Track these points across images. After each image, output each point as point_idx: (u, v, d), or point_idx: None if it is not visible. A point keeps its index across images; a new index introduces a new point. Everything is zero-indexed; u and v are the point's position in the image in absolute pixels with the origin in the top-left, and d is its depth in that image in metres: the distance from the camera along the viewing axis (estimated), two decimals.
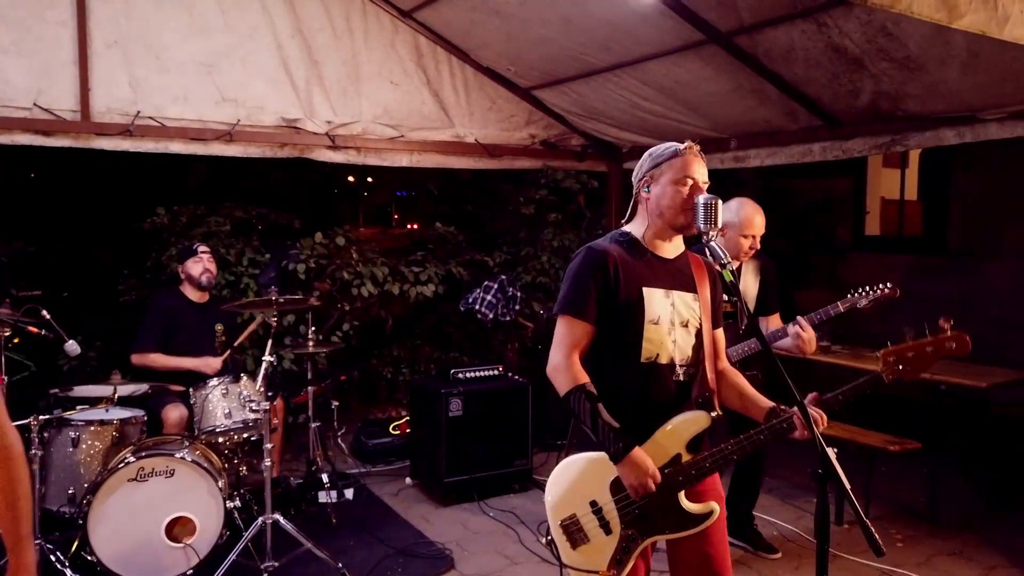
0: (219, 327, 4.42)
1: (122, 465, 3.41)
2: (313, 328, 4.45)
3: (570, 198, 6.58)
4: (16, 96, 4.22)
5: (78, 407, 3.76)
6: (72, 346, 3.53)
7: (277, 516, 3.67)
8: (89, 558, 3.34)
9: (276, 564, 3.62)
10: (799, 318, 3.32)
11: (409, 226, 10.31)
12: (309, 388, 4.45)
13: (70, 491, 3.62)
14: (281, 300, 3.79)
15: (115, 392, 3.70)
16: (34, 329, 3.47)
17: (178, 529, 3.49)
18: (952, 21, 1.96)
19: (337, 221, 6.65)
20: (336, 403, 5.02)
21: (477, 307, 6.09)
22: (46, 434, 3.58)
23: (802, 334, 3.25)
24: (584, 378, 2.10)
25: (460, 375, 4.86)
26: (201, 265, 4.45)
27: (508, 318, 6.19)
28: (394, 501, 4.74)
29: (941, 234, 7.23)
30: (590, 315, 2.13)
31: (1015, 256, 6.27)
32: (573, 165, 6.31)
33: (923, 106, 3.84)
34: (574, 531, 2.15)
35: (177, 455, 3.49)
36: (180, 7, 4.55)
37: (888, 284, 3.29)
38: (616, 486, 2.11)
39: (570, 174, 6.36)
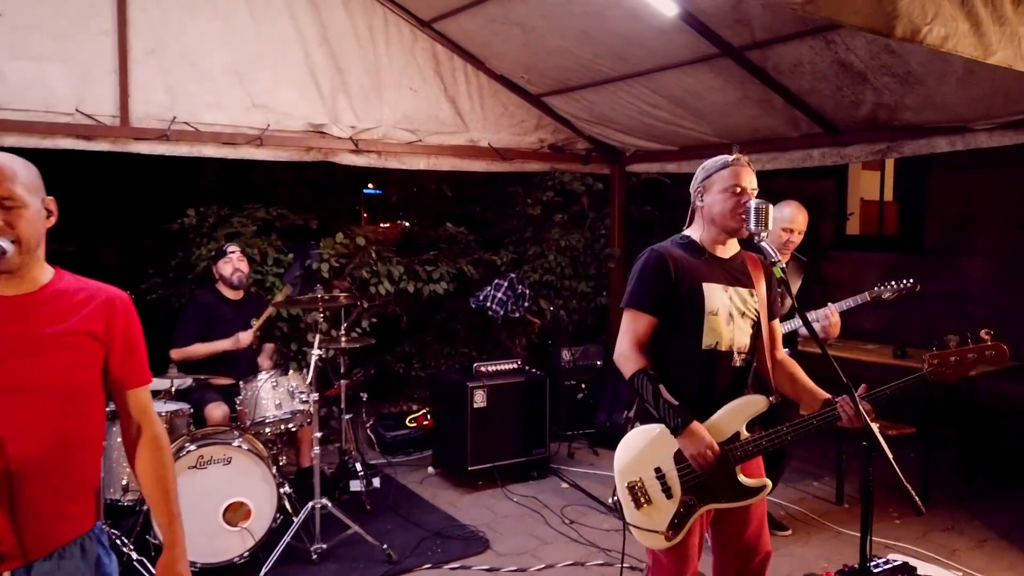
0: (254, 321, 4.63)
1: (183, 453, 3.60)
2: (345, 325, 4.66)
3: (575, 199, 6.86)
4: (58, 102, 4.37)
5: None
6: None
7: (325, 501, 3.90)
8: (153, 541, 3.54)
9: (324, 546, 3.86)
10: (829, 304, 3.66)
11: (382, 224, 10.47)
12: (341, 382, 4.67)
13: (123, 481, 3.80)
14: (327, 297, 4.01)
15: (172, 385, 3.89)
16: None
17: (231, 514, 3.69)
18: (987, 57, 2.28)
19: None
20: (365, 395, 5.23)
21: (488, 304, 6.34)
22: None
23: (831, 317, 3.60)
24: (646, 363, 2.38)
25: (482, 368, 5.12)
26: (231, 265, 4.63)
27: (517, 314, 6.45)
28: (420, 488, 4.98)
29: (919, 233, 7.65)
30: (652, 308, 2.40)
31: (989, 254, 6.68)
32: (578, 168, 6.58)
33: (918, 116, 4.17)
34: (639, 493, 2.41)
35: (233, 444, 3.69)
36: (215, 17, 4.73)
37: (910, 279, 3.67)
38: (679, 456, 2.37)
39: (575, 176, 6.64)
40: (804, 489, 4.92)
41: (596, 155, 6.52)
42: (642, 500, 2.41)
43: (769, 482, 2.42)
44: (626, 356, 2.41)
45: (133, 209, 7.29)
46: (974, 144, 4.08)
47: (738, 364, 2.42)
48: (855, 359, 5.23)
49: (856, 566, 3.58)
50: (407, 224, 6.82)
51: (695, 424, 2.31)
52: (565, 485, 5.07)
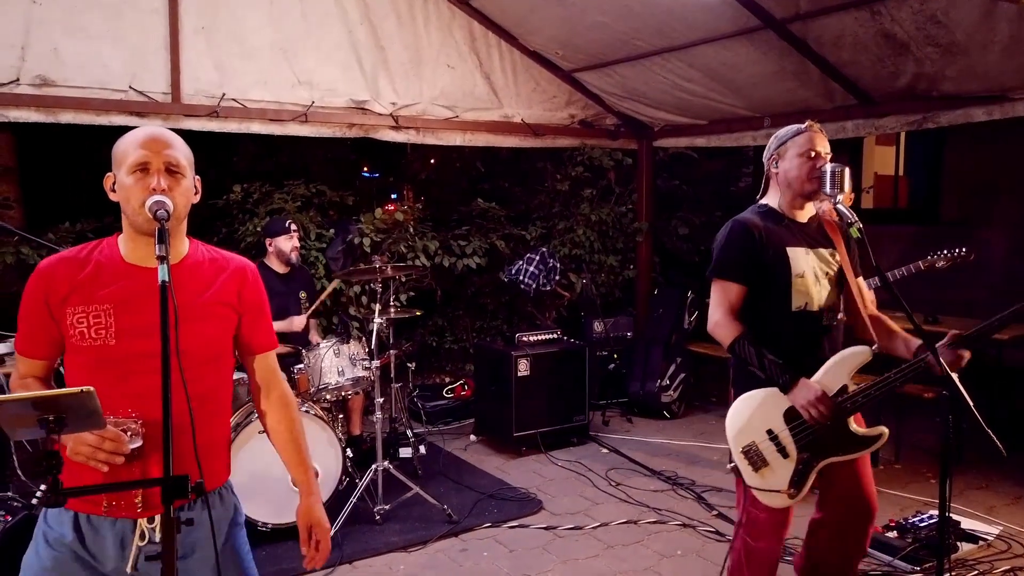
0: (303, 294, 4.74)
1: (250, 420, 3.73)
2: (393, 297, 4.79)
3: (603, 174, 6.96)
4: (112, 80, 4.46)
5: None
6: None
7: (387, 464, 4.04)
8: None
9: (387, 507, 4.01)
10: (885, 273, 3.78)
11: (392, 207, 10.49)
12: (391, 351, 4.80)
13: None
14: (386, 269, 4.12)
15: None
16: None
17: None
18: None
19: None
20: (412, 365, 5.36)
21: (521, 277, 6.46)
22: None
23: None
24: (743, 329, 2.47)
25: (524, 339, 5.25)
26: (292, 242, 4.71)
27: (548, 288, 6.58)
28: (465, 455, 5.13)
29: (934, 206, 7.78)
30: (740, 276, 2.50)
31: (1005, 224, 6.80)
32: (607, 143, 6.68)
33: (957, 86, 4.27)
34: (755, 457, 2.48)
35: (300, 409, 3.82)
36: None
37: (963, 248, 3.77)
38: (789, 415, 2.45)
39: (604, 151, 6.73)
40: None
41: (625, 130, 6.62)
42: (759, 463, 2.47)
43: (886, 430, 2.48)
44: (722, 325, 2.50)
45: None
46: (1012, 113, 4.19)
47: (829, 322, 2.52)
48: None
49: (903, 520, 3.76)
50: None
51: (803, 379, 2.40)
52: (605, 450, 5.23)
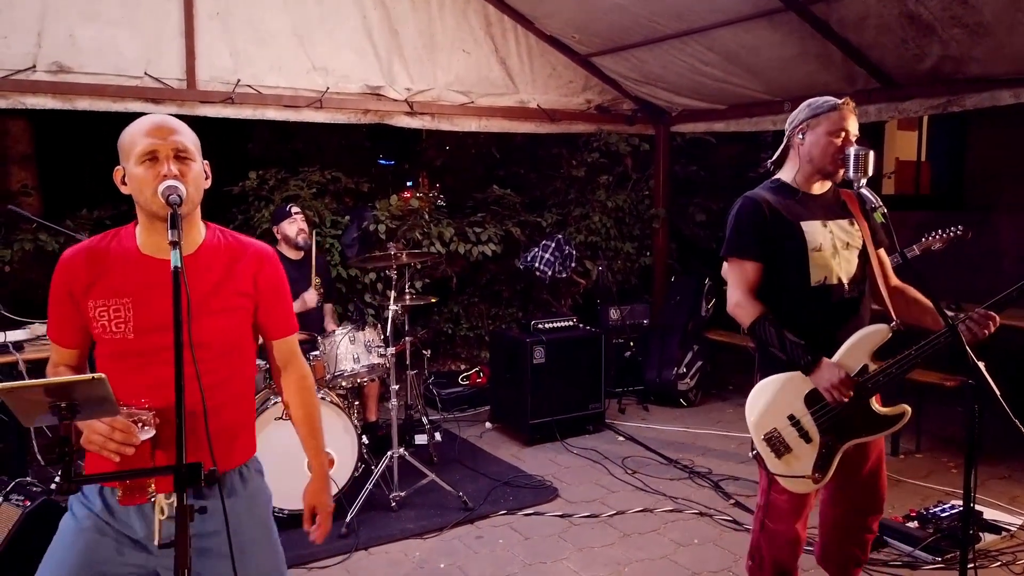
0: (316, 280, 4.74)
1: (268, 405, 3.74)
2: (408, 284, 4.77)
3: (619, 160, 6.89)
4: (128, 66, 4.45)
5: None
6: None
7: (403, 451, 4.04)
8: None
9: (402, 494, 4.01)
10: None
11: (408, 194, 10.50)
12: (407, 338, 4.78)
13: None
14: (401, 255, 4.10)
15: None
16: None
17: None
18: None
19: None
20: (428, 352, 5.35)
21: (536, 264, 6.42)
22: None
23: None
24: (763, 309, 2.42)
25: (540, 325, 5.22)
26: (296, 225, 4.72)
27: (564, 275, 6.54)
28: (480, 442, 5.13)
29: (957, 191, 7.64)
30: (755, 253, 2.45)
31: None
32: (623, 129, 6.61)
33: (984, 68, 4.17)
34: (777, 443, 2.43)
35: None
36: None
37: (958, 226, 3.65)
38: (810, 398, 2.40)
39: (621, 137, 6.67)
40: None
41: (642, 115, 6.54)
42: (782, 449, 2.43)
43: (908, 408, 2.43)
44: (741, 305, 2.45)
45: None
46: None
47: (851, 295, 2.45)
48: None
49: (924, 511, 3.71)
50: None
51: (825, 359, 2.35)
52: (621, 438, 5.20)
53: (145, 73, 4.49)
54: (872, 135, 8.11)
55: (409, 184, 9.62)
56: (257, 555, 1.84)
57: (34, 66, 4.20)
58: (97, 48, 4.36)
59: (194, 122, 4.74)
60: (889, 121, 7.63)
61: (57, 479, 1.42)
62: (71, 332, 1.78)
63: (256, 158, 6.71)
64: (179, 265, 1.49)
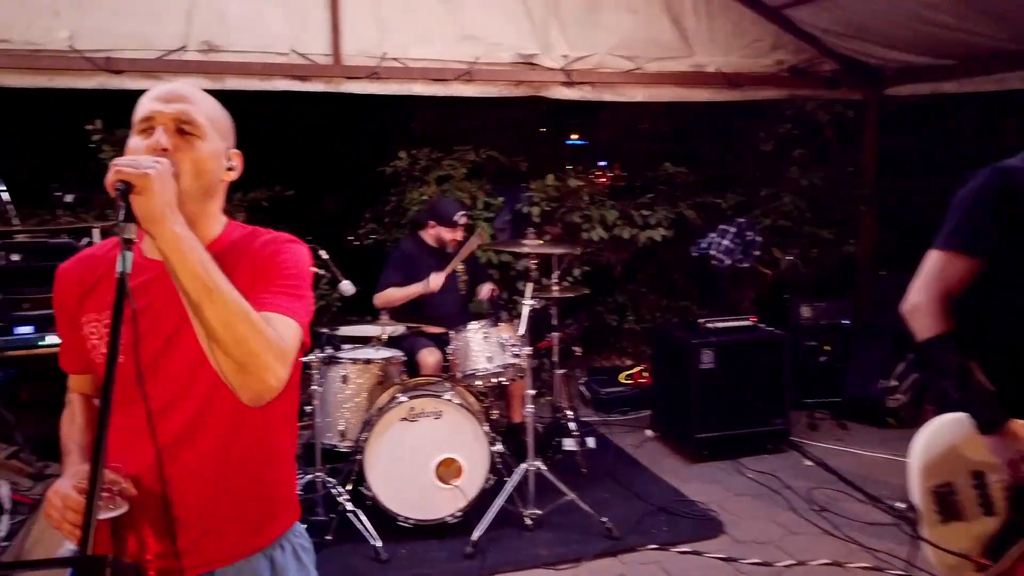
0: (460, 266, 4.37)
1: (394, 404, 3.42)
2: (557, 273, 4.27)
3: (817, 132, 5.91)
4: (275, 43, 4.32)
5: (343, 346, 3.84)
6: (347, 286, 3.58)
7: (539, 464, 3.56)
8: (367, 493, 3.40)
9: (539, 512, 3.54)
10: None
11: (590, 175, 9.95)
12: (554, 334, 4.29)
13: (340, 427, 3.69)
14: (532, 247, 3.62)
15: (384, 332, 3.72)
16: (314, 268, 3.53)
17: (443, 470, 3.46)
18: None
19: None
20: (579, 350, 4.84)
21: (712, 251, 5.66)
22: (317, 372, 3.67)
23: None
24: (950, 325, 1.78)
25: (709, 325, 4.50)
26: (454, 235, 4.34)
27: (746, 264, 5.71)
28: (638, 454, 4.52)
29: None
30: (976, 247, 1.77)
31: None
32: (822, 94, 5.61)
33: None
34: (947, 502, 1.84)
35: (444, 396, 3.44)
36: None
37: None
38: None
39: (819, 104, 5.68)
40: None
41: (846, 77, 5.50)
42: (950, 513, 1.84)
43: None
44: (923, 311, 1.82)
45: (350, 152, 7.41)
46: None
47: None
48: None
49: None
50: (610, 174, 6.24)
51: (1016, 423, 1.70)
52: (808, 463, 4.35)
53: (292, 50, 4.34)
54: None
55: (603, 164, 9.06)
56: None
57: (185, 46, 4.17)
58: (245, 25, 4.26)
59: (356, 100, 4.58)
60: None
61: None
62: (74, 356, 1.46)
63: (417, 137, 6.52)
64: (125, 270, 1.07)
